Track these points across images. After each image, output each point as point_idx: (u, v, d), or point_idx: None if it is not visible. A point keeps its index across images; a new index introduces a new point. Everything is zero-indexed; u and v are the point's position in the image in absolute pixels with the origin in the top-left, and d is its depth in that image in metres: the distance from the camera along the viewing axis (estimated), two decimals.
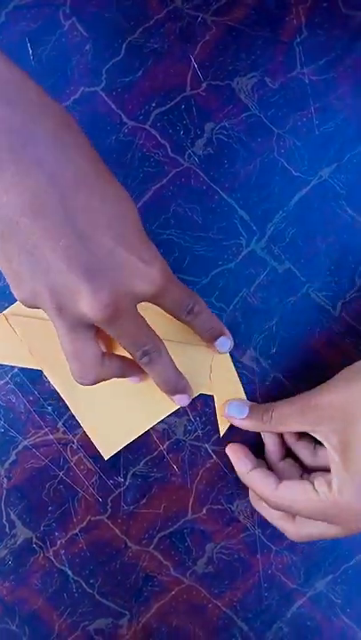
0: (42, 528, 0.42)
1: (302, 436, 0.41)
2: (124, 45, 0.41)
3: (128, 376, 0.39)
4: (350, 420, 0.35)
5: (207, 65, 0.42)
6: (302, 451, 0.41)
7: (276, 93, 0.42)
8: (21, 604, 0.42)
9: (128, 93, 0.41)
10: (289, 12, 0.42)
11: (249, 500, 0.43)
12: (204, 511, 0.43)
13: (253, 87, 0.42)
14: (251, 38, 0.42)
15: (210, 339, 0.40)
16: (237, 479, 0.43)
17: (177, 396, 0.40)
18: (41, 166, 0.28)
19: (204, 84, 0.42)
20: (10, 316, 0.41)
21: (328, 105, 0.42)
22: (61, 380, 0.42)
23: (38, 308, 0.32)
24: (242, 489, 0.43)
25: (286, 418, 0.38)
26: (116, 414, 0.42)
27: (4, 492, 0.42)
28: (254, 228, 0.42)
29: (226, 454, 0.42)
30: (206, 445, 0.43)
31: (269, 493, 0.38)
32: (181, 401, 0.40)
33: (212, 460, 0.43)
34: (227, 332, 0.41)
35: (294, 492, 0.37)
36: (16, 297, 0.32)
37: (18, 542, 0.42)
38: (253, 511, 0.43)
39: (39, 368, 0.42)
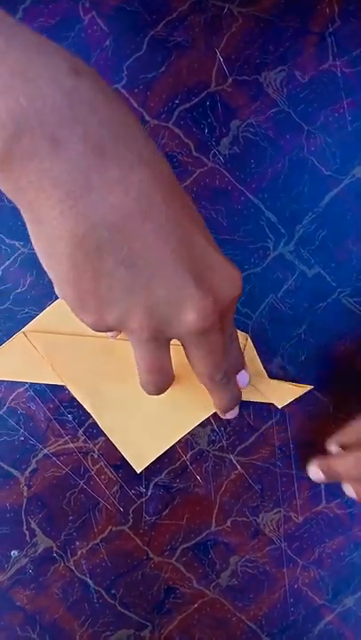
0: (62, 537, 0.41)
1: None
2: (145, 40, 0.39)
3: None
4: None
5: (233, 59, 0.40)
6: None
7: (306, 88, 0.40)
8: (42, 613, 0.42)
9: (150, 90, 0.40)
10: (320, 1, 0.39)
11: (275, 513, 0.41)
12: (229, 523, 0.42)
13: (282, 81, 0.40)
14: (279, 29, 0.39)
15: (235, 371, 0.37)
16: (263, 491, 0.41)
17: (231, 412, 0.39)
18: (143, 160, 0.25)
19: (230, 80, 0.40)
20: (29, 334, 0.40)
21: None
22: (86, 394, 0.41)
23: (118, 330, 0.29)
24: (268, 501, 0.41)
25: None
26: (144, 426, 0.41)
27: (25, 500, 0.41)
28: (282, 230, 0.40)
29: (251, 465, 0.41)
30: (231, 456, 0.41)
31: None
32: (233, 414, 0.39)
33: (236, 471, 0.41)
34: (245, 362, 0.38)
35: None
36: (93, 324, 0.28)
37: (38, 551, 0.41)
38: (280, 524, 0.42)
39: (62, 384, 0.41)
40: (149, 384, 0.33)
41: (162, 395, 0.40)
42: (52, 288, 0.28)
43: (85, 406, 0.41)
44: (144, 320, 0.28)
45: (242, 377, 0.38)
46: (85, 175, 0.23)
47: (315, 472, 0.38)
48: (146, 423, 0.41)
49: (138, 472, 0.41)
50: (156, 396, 0.40)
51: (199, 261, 0.27)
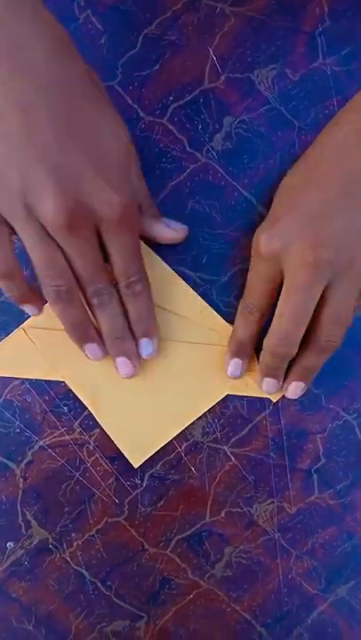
0: (58, 529, 0.42)
1: None
2: (140, 38, 0.40)
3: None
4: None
5: (226, 57, 0.40)
6: None
7: (297, 85, 0.41)
8: (38, 604, 0.42)
9: (144, 88, 0.40)
10: (311, 1, 0.40)
11: (269, 504, 0.42)
12: (223, 514, 0.42)
13: (274, 79, 0.41)
14: (271, 28, 0.40)
15: (136, 333, 0.39)
16: (257, 482, 0.42)
17: (121, 365, 0.40)
18: (34, 71, 0.31)
19: (222, 77, 0.41)
20: (28, 329, 0.41)
21: (351, 97, 0.40)
22: (85, 389, 0.41)
23: (6, 215, 0.33)
24: (261, 492, 0.42)
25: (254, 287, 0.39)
26: (142, 421, 0.41)
27: (21, 492, 0.42)
28: None
29: (245, 456, 0.41)
30: (225, 447, 0.42)
31: None
32: (124, 370, 0.40)
33: (230, 463, 0.42)
34: (155, 334, 0.39)
35: None
36: None
37: (34, 543, 0.42)
38: (273, 515, 0.42)
39: (62, 379, 0.41)
40: (45, 282, 0.35)
41: (159, 390, 0.41)
42: None
43: (84, 402, 0.41)
44: (19, 193, 0.32)
45: (144, 345, 0.39)
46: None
47: (297, 388, 0.40)
48: (143, 418, 0.41)
49: (135, 467, 0.41)
50: (154, 392, 0.41)
51: (70, 165, 0.32)
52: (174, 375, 0.41)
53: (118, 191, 0.33)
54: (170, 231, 0.40)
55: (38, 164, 0.32)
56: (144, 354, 0.40)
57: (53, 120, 0.32)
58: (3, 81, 0.31)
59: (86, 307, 0.37)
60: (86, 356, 0.39)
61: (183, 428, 0.42)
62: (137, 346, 0.39)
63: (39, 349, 0.41)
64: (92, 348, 0.38)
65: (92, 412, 0.41)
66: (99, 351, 0.39)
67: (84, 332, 0.38)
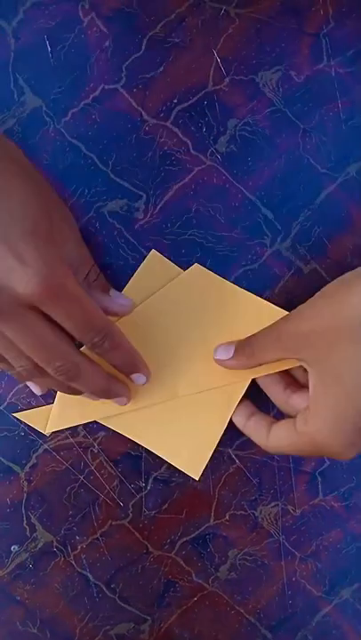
0: (62, 532, 0.42)
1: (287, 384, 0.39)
2: (144, 41, 0.40)
3: None
4: (331, 348, 0.33)
5: (230, 59, 0.40)
6: (275, 394, 0.40)
7: (301, 87, 0.41)
8: (42, 607, 0.42)
9: (149, 90, 0.40)
10: (315, 3, 0.40)
11: (273, 506, 0.42)
12: (227, 517, 0.42)
13: (278, 81, 0.41)
14: (275, 30, 0.40)
15: (125, 373, 0.38)
16: (261, 484, 0.42)
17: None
18: None
19: (227, 79, 0.40)
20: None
21: (356, 99, 0.40)
22: (122, 423, 0.41)
23: None
24: (266, 494, 0.42)
25: (265, 346, 0.37)
26: (186, 433, 0.41)
27: (25, 495, 0.42)
28: (279, 227, 0.41)
29: (249, 459, 0.41)
30: (229, 450, 0.42)
31: (263, 443, 0.38)
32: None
33: (234, 465, 0.42)
34: (142, 366, 0.39)
35: (281, 434, 0.37)
36: None
37: (38, 546, 0.42)
38: (278, 517, 0.42)
39: (93, 419, 0.41)
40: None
41: (189, 397, 0.40)
42: None
43: (122, 432, 0.41)
44: None
45: (135, 378, 0.39)
46: None
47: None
48: (186, 429, 0.41)
49: (197, 479, 0.41)
50: (184, 400, 0.40)
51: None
52: (197, 371, 0.41)
53: (31, 264, 0.31)
54: (117, 306, 0.39)
55: None
56: (138, 383, 0.39)
57: None
58: None
59: None
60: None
61: (227, 423, 0.41)
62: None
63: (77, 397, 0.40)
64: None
65: (135, 440, 0.41)
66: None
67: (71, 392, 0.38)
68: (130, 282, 0.41)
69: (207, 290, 0.41)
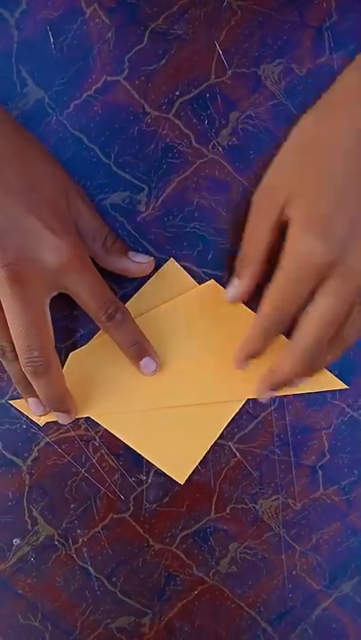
0: (64, 525, 0.42)
1: None
2: (146, 33, 0.40)
3: None
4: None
5: (232, 51, 0.40)
6: None
7: (303, 81, 0.41)
8: (44, 600, 0.42)
9: (151, 82, 0.40)
10: None
11: (274, 500, 0.42)
12: (228, 510, 0.42)
13: (280, 74, 0.40)
14: (278, 23, 0.40)
15: (133, 356, 0.40)
16: (262, 478, 0.42)
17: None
18: None
19: (229, 72, 0.40)
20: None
21: None
22: (112, 420, 0.41)
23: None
24: (266, 488, 0.42)
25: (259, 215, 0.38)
26: (176, 438, 0.41)
27: (27, 488, 0.41)
28: None
29: (250, 452, 0.41)
30: (230, 443, 0.42)
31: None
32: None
33: (235, 459, 0.42)
34: (152, 351, 0.40)
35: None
36: None
37: (40, 539, 0.42)
38: (278, 511, 0.42)
39: (87, 415, 0.41)
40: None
41: (186, 402, 0.41)
42: None
43: (115, 433, 0.41)
44: None
45: (144, 363, 0.40)
46: None
47: (266, 394, 0.39)
48: (176, 434, 0.41)
49: (182, 483, 0.41)
50: (179, 405, 0.41)
51: (8, 222, 0.33)
52: (196, 383, 0.41)
53: (62, 235, 0.34)
54: (136, 265, 0.39)
55: None
56: (148, 372, 0.40)
57: None
58: None
59: None
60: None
61: (219, 434, 0.41)
62: (138, 367, 0.40)
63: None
64: (33, 402, 0.40)
65: (125, 440, 0.41)
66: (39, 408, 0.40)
67: (24, 390, 0.39)
68: (143, 286, 0.41)
69: (219, 307, 0.41)
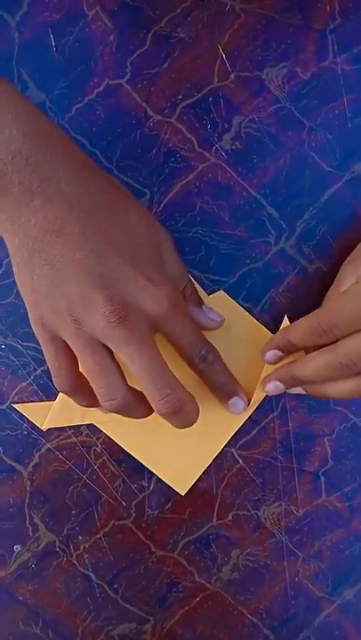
0: (65, 532, 0.41)
1: None
2: (149, 36, 0.40)
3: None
4: None
5: (236, 55, 0.40)
6: None
7: (307, 84, 0.40)
8: (45, 607, 0.42)
9: (153, 86, 0.40)
10: None
11: (276, 506, 0.42)
12: (230, 517, 0.42)
13: (284, 78, 0.40)
14: (281, 26, 0.40)
15: (222, 397, 0.40)
16: (264, 484, 0.42)
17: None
18: (62, 196, 0.33)
19: (232, 76, 0.40)
20: None
21: None
22: (117, 430, 0.41)
23: (56, 332, 0.34)
24: (269, 495, 0.42)
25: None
26: (180, 449, 0.41)
27: (28, 494, 0.41)
28: (283, 225, 0.41)
29: (253, 459, 0.41)
30: (232, 450, 0.42)
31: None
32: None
33: (238, 465, 0.42)
34: (241, 391, 0.40)
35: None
36: (33, 320, 0.35)
37: (41, 546, 0.41)
38: (281, 517, 0.42)
39: (91, 422, 0.41)
40: (101, 391, 0.34)
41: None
42: None
43: (120, 443, 0.41)
44: (66, 313, 0.33)
45: (233, 403, 0.40)
46: (18, 207, 0.33)
47: (275, 386, 0.39)
48: (180, 446, 0.41)
49: (183, 494, 0.41)
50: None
51: (110, 271, 0.33)
52: (203, 395, 0.41)
53: (160, 284, 0.34)
54: (208, 320, 0.40)
55: (81, 280, 0.33)
56: (236, 412, 0.40)
57: (87, 235, 0.33)
58: (35, 211, 0.33)
59: None
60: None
61: (223, 446, 0.41)
62: (226, 406, 0.40)
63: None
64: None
65: (128, 450, 0.41)
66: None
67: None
68: None
69: (227, 318, 0.40)
